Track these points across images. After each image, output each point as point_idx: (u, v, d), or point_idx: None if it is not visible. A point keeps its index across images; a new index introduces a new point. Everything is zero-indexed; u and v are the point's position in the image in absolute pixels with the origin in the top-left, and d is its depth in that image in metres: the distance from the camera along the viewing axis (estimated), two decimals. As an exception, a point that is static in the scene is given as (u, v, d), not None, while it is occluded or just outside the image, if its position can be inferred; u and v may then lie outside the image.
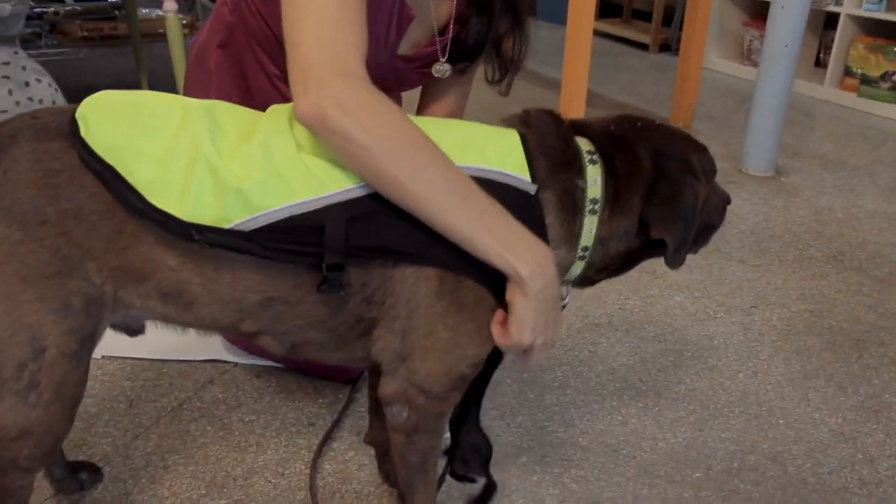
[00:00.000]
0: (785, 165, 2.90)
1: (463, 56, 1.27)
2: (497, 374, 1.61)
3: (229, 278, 0.93)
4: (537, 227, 0.95)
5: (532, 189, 0.94)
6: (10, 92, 1.96)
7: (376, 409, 1.31)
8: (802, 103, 3.75)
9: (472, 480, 1.25)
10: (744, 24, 4.29)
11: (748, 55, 4.27)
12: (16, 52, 1.99)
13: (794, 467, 1.40)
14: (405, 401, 1.00)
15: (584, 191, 0.97)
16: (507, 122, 1.04)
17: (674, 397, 1.58)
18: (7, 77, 1.96)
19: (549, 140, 0.99)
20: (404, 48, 1.27)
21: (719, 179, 1.09)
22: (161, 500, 1.28)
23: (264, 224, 0.88)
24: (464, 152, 0.94)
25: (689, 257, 1.06)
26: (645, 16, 5.05)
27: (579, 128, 1.03)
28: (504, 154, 0.95)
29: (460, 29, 1.25)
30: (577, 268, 1.02)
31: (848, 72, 3.76)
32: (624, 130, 1.02)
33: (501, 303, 0.95)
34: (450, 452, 1.19)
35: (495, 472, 1.35)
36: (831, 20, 3.90)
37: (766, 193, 2.64)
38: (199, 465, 1.36)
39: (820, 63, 4.12)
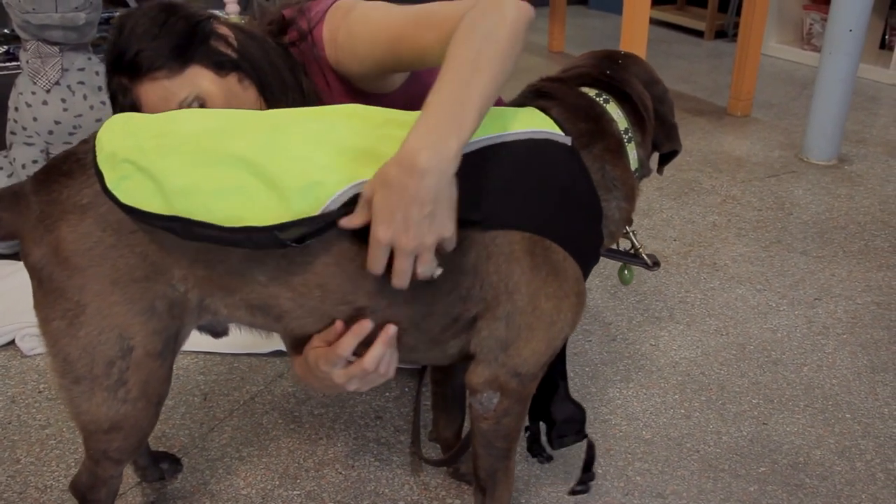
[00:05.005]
0: (848, 153, 2.84)
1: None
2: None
3: (318, 292, 0.96)
4: (581, 172, 1.02)
5: (568, 141, 1.01)
6: (84, 97, 2.05)
7: (442, 405, 1.34)
8: (867, 88, 3.65)
9: (547, 459, 1.28)
10: (804, 8, 4.18)
11: (808, 40, 4.16)
12: (89, 58, 2.07)
13: (863, 462, 1.39)
14: (497, 386, 1.02)
15: (619, 128, 1.07)
16: (520, 100, 1.11)
17: (737, 391, 1.58)
18: (82, 83, 2.04)
19: (569, 104, 1.07)
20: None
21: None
22: (237, 490, 1.34)
23: (342, 203, 0.90)
24: (497, 123, 0.99)
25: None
26: (700, 2, 4.96)
27: (579, 79, 1.13)
28: (534, 120, 1.02)
29: None
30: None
31: (914, 54, 3.64)
32: (616, 70, 1.14)
33: (583, 269, 1.01)
34: (547, 431, 1.19)
35: (560, 464, 1.38)
36: (896, 0, 3.78)
37: (829, 182, 2.59)
38: (272, 457, 1.41)
39: (885, 45, 3.99)
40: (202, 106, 1.18)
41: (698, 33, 4.76)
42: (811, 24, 4.13)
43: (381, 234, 0.88)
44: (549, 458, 1.28)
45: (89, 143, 0.97)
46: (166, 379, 1.03)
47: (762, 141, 2.98)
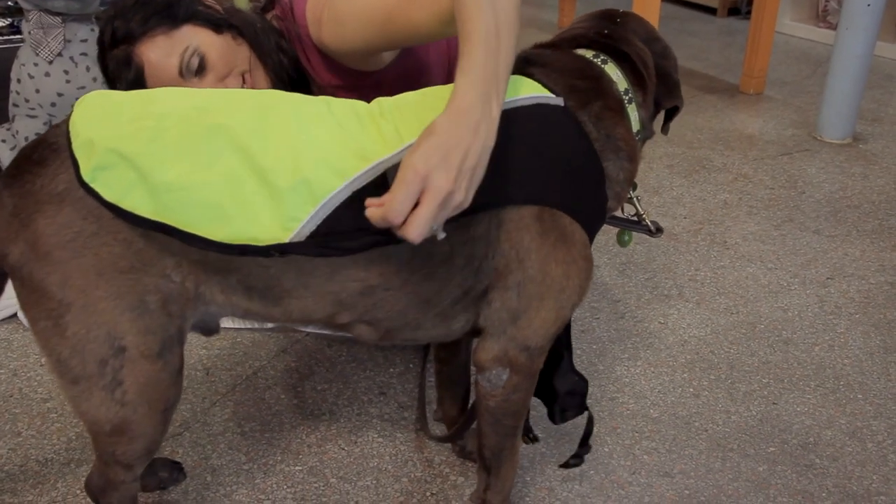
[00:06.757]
0: (863, 132, 2.79)
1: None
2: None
3: (326, 270, 0.91)
4: (577, 133, 0.98)
5: (560, 101, 0.97)
6: (87, 68, 2.02)
7: (447, 383, 1.32)
8: (883, 66, 3.58)
9: (533, 440, 1.29)
10: (819, -16, 4.11)
11: (823, 17, 4.09)
12: (92, 30, 2.04)
13: (874, 444, 1.36)
14: (506, 362, 1.00)
15: (619, 88, 1.04)
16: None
17: (746, 370, 1.55)
18: (85, 54, 2.01)
19: (560, 67, 1.02)
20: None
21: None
22: (239, 465, 1.33)
23: (331, 210, 0.85)
24: None
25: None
26: (713, -22, 4.89)
27: (573, 42, 1.09)
28: (520, 88, 0.97)
29: None
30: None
31: (932, 32, 3.57)
32: (615, 29, 1.09)
33: (589, 233, 0.99)
34: (549, 406, 1.18)
35: (564, 442, 1.36)
36: (914, -23, 3.70)
37: (843, 161, 2.55)
38: (274, 432, 1.40)
39: (901, 23, 3.92)
40: (203, 59, 1.20)
41: (711, 10, 4.69)
42: (827, 2, 4.06)
43: (420, 162, 0.76)
44: (536, 439, 1.29)
45: (62, 128, 0.91)
46: (171, 383, 0.95)
47: (775, 119, 2.93)
